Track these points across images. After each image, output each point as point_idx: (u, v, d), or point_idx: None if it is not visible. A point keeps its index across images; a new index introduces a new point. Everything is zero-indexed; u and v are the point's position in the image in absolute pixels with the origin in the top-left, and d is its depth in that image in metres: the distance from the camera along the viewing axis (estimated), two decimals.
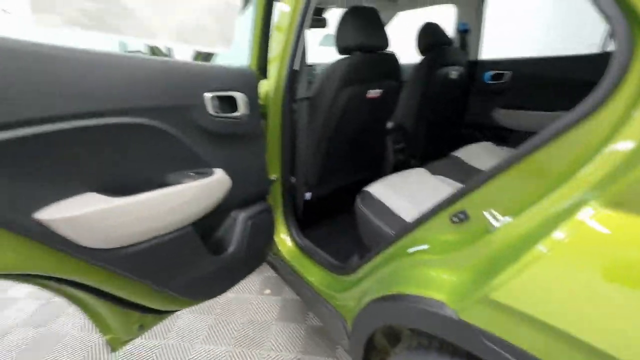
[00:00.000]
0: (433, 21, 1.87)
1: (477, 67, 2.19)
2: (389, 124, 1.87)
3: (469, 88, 2.23)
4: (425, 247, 0.80)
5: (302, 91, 1.31)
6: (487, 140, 1.84)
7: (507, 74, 2.09)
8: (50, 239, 0.62)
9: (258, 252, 1.20)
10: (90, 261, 0.70)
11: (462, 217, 0.68)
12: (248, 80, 1.00)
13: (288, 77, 1.19)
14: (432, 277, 0.72)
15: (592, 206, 0.48)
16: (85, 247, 0.67)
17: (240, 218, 1.09)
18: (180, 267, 0.90)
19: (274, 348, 1.44)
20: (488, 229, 0.63)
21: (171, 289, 0.90)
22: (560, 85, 1.90)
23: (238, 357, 1.40)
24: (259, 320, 1.59)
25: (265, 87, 1.21)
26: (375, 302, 0.84)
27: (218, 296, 1.12)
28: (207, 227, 1.01)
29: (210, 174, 0.92)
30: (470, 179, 0.65)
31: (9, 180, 0.57)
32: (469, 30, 2.16)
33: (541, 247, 0.51)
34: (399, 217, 1.08)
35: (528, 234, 0.55)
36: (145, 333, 1.51)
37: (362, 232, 1.26)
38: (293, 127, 1.32)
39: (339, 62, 1.30)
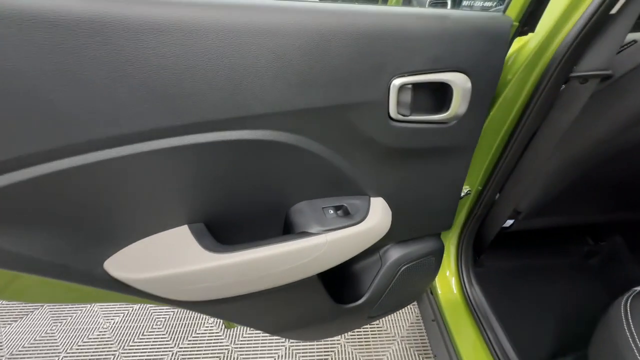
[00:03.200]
0: None
1: None
2: None
3: None
4: None
5: (595, 61, 0.63)
6: None
7: None
8: (127, 291, 0.46)
9: (400, 303, 0.85)
10: (180, 306, 0.53)
11: None
12: (492, 41, 0.48)
13: (580, 29, 0.56)
14: None
15: None
16: (172, 300, 0.49)
17: (390, 262, 0.73)
18: (293, 317, 0.67)
19: None
20: None
21: (278, 334, 0.71)
22: None
23: (347, 355, 1.26)
24: (384, 328, 1.36)
25: (523, 48, 0.63)
26: None
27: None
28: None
29: (361, 212, 0.56)
30: None
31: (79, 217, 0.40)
32: None
33: None
34: None
35: None
36: None
37: (597, 353, 0.69)
38: (536, 124, 0.72)
39: None
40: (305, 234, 0.51)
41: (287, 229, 0.55)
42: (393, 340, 1.31)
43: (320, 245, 0.51)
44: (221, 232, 0.50)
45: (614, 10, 0.55)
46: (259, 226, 0.54)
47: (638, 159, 0.77)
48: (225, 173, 0.45)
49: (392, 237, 0.68)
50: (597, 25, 0.56)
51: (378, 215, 0.56)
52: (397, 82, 0.45)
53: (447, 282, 0.99)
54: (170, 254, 0.46)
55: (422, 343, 1.29)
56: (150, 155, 0.38)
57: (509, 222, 1.02)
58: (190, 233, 0.47)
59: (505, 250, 1.24)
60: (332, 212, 0.55)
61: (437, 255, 0.79)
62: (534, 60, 0.64)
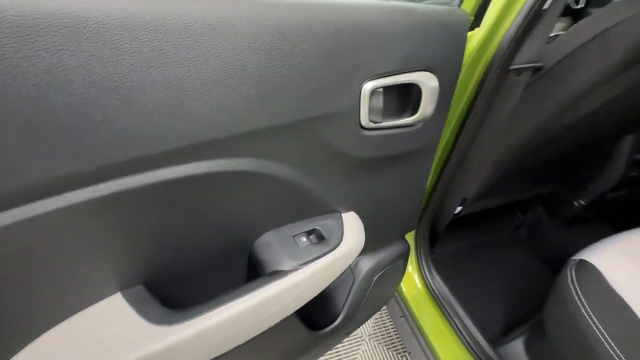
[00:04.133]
0: None
1: None
2: None
3: None
4: None
5: (528, 54, 0.66)
6: None
7: None
8: None
9: (373, 312, 0.82)
10: None
11: None
12: (453, 38, 0.45)
13: (519, 24, 0.58)
14: None
15: None
16: None
17: (362, 275, 0.68)
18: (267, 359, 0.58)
19: None
20: None
21: None
22: None
23: None
24: None
25: (470, 41, 0.62)
26: None
27: None
28: None
29: (336, 233, 0.49)
30: None
31: None
32: None
33: None
34: None
35: None
36: None
37: (552, 318, 0.75)
38: (482, 117, 0.74)
39: None
40: (278, 272, 0.42)
41: (254, 268, 0.46)
42: (361, 340, 1.30)
43: (299, 283, 0.43)
44: (170, 290, 0.39)
45: (546, 5, 0.58)
46: (218, 271, 0.44)
47: (562, 143, 0.86)
48: (167, 219, 0.34)
49: (364, 250, 0.64)
50: (533, 20, 0.59)
51: (353, 233, 0.51)
52: (369, 86, 0.39)
53: (411, 278, 1.00)
54: (98, 338, 0.33)
55: (389, 338, 1.30)
56: (49, 216, 0.25)
57: (458, 208, 1.07)
58: (126, 302, 0.35)
59: (451, 234, 1.32)
60: (304, 239, 0.47)
61: (405, 257, 0.77)
62: (478, 56, 0.64)
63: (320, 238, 0.48)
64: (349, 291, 0.68)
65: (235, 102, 0.30)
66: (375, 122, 0.44)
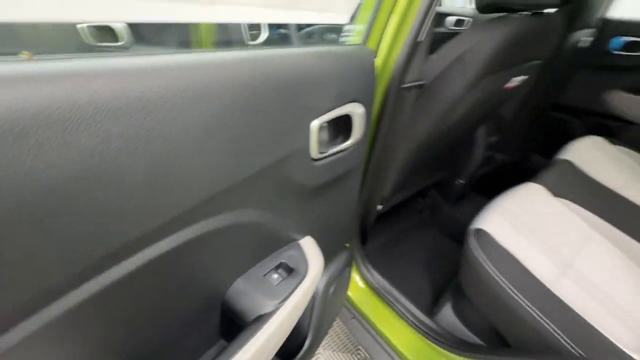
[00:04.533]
0: None
1: (603, 30, 1.60)
2: None
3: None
4: None
5: (413, 75, 0.81)
6: (589, 131, 1.43)
7: None
8: None
9: (331, 324, 0.85)
10: None
11: None
12: (367, 72, 0.53)
13: (405, 53, 0.71)
14: None
15: None
16: None
17: (320, 292, 0.71)
18: None
19: None
20: None
21: None
22: None
23: None
24: None
25: None
26: None
27: None
28: None
29: (301, 262, 0.51)
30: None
31: None
32: None
33: None
34: (536, 281, 0.77)
35: None
36: None
37: (467, 281, 0.92)
38: (391, 126, 0.87)
39: (485, 29, 0.78)
40: (262, 317, 0.42)
41: (229, 319, 0.44)
42: (318, 354, 1.31)
43: (283, 320, 0.43)
44: None
45: (421, 38, 0.72)
46: (193, 333, 0.40)
47: (446, 139, 1.08)
48: (140, 301, 0.30)
49: None
50: (414, 49, 0.73)
51: (316, 257, 0.53)
52: (316, 123, 0.43)
53: (354, 281, 1.08)
54: None
55: (341, 343, 1.35)
56: (21, 345, 0.20)
57: (379, 207, 1.20)
58: None
59: (372, 230, 1.47)
60: (275, 276, 0.47)
61: (350, 263, 0.83)
62: (382, 77, 0.76)
63: (289, 270, 0.49)
64: (311, 312, 0.70)
65: (217, 161, 0.30)
66: (322, 153, 0.48)
